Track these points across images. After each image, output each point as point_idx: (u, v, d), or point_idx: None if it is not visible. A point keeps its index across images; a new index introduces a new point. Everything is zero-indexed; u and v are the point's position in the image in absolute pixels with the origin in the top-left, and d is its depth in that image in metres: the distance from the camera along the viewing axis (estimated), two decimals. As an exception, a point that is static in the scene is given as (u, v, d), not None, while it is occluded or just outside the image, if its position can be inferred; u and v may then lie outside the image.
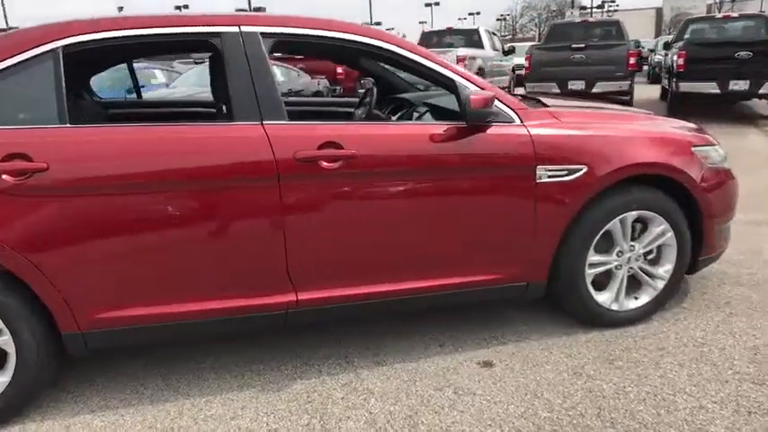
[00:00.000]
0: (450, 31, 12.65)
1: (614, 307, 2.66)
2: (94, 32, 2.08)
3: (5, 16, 30.42)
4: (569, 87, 9.70)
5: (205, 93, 7.91)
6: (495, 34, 13.50)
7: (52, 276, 2.02)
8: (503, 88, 13.67)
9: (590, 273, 2.57)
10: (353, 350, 2.58)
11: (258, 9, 33.70)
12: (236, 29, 2.19)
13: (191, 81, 8.62)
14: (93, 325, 2.12)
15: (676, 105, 9.55)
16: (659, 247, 2.68)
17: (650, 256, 2.71)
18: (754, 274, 3.24)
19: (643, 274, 2.68)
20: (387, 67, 3.47)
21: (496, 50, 13.00)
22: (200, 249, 2.11)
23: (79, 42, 2.08)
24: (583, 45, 9.63)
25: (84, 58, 2.35)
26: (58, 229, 2.00)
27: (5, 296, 2.00)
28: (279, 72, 9.22)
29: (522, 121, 2.39)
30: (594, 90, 9.58)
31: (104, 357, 2.56)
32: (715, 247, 2.79)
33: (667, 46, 11.56)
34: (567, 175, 2.39)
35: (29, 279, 1.99)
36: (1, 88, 1.98)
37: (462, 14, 72.86)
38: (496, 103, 2.37)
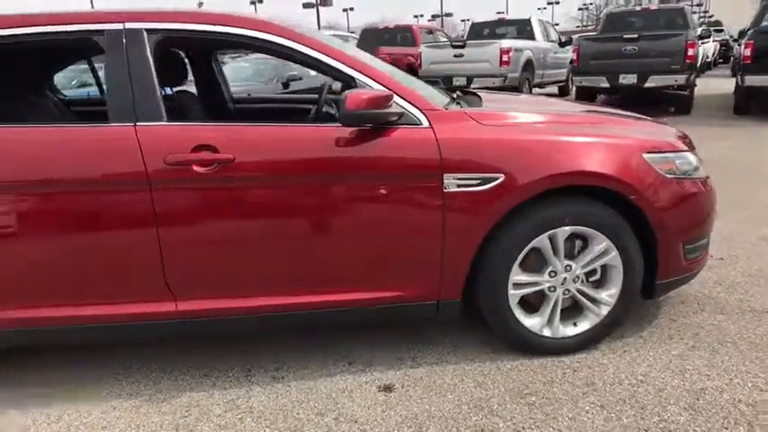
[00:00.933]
0: (500, 22, 12.16)
1: (546, 333, 2.36)
2: None
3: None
4: (620, 82, 8.99)
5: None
6: (550, 24, 12.82)
7: None
8: (560, 82, 13.04)
9: (515, 293, 2.29)
10: (259, 364, 2.45)
11: (324, 1, 34.04)
12: (119, 26, 2.11)
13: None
14: None
15: (742, 101, 8.63)
16: (604, 268, 2.36)
17: (594, 278, 2.39)
18: (744, 302, 2.80)
19: (583, 298, 2.37)
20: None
21: (552, 42, 12.34)
22: (68, 254, 2.06)
23: None
24: (635, 35, 8.88)
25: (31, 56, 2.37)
26: None
27: None
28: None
29: (430, 124, 2.15)
30: (648, 85, 8.81)
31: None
32: (677, 269, 2.41)
33: (742, 35, 10.48)
34: (480, 185, 2.13)
35: None
36: None
37: (541, 4, 69.98)
38: (402, 103, 2.14)
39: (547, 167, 2.14)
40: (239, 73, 9.03)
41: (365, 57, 2.42)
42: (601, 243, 2.27)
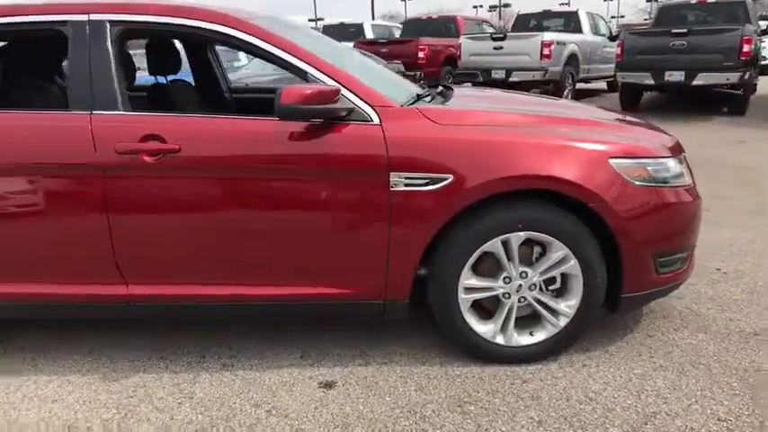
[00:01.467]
0: (546, 13, 11.74)
1: (499, 340, 2.28)
2: None
3: None
4: (666, 79, 8.52)
5: (267, 76, 8.17)
6: (600, 17, 12.28)
7: None
8: (608, 77, 12.54)
9: (466, 298, 2.22)
10: (216, 350, 2.49)
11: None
12: (84, 17, 2.16)
13: (259, 64, 8.90)
14: None
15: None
16: (564, 278, 2.25)
17: (553, 286, 2.28)
18: (734, 321, 2.61)
19: (539, 307, 2.26)
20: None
21: (601, 35, 11.84)
22: (22, 236, 2.15)
23: None
24: (685, 30, 8.37)
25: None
26: None
27: None
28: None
29: (380, 121, 2.10)
30: (696, 82, 8.30)
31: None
32: (647, 282, 2.27)
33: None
34: (428, 185, 2.07)
35: None
36: None
37: (608, -5, 67.00)
38: (352, 99, 2.11)
39: (498, 169, 2.06)
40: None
41: (326, 50, 2.39)
42: (558, 251, 2.16)
